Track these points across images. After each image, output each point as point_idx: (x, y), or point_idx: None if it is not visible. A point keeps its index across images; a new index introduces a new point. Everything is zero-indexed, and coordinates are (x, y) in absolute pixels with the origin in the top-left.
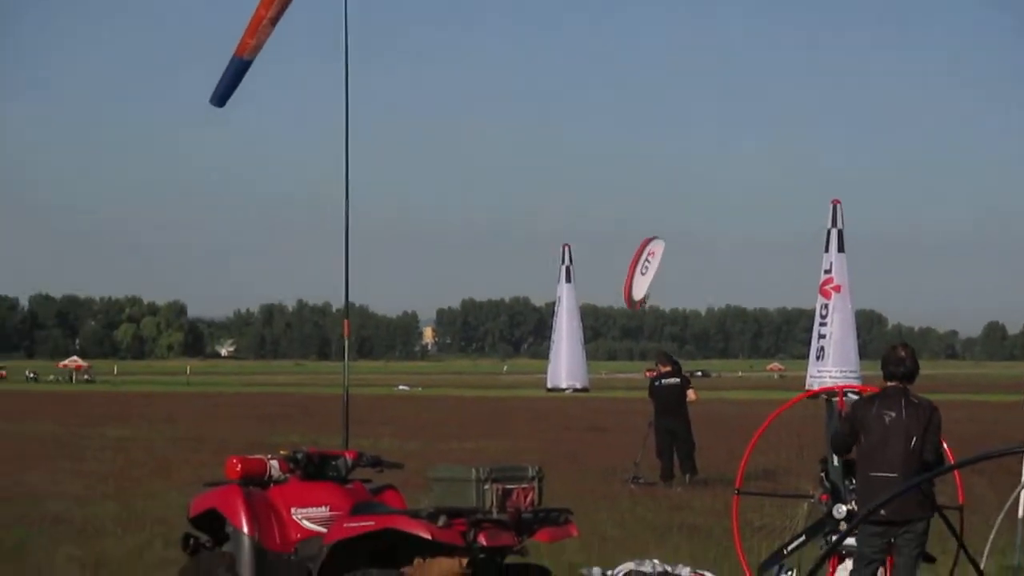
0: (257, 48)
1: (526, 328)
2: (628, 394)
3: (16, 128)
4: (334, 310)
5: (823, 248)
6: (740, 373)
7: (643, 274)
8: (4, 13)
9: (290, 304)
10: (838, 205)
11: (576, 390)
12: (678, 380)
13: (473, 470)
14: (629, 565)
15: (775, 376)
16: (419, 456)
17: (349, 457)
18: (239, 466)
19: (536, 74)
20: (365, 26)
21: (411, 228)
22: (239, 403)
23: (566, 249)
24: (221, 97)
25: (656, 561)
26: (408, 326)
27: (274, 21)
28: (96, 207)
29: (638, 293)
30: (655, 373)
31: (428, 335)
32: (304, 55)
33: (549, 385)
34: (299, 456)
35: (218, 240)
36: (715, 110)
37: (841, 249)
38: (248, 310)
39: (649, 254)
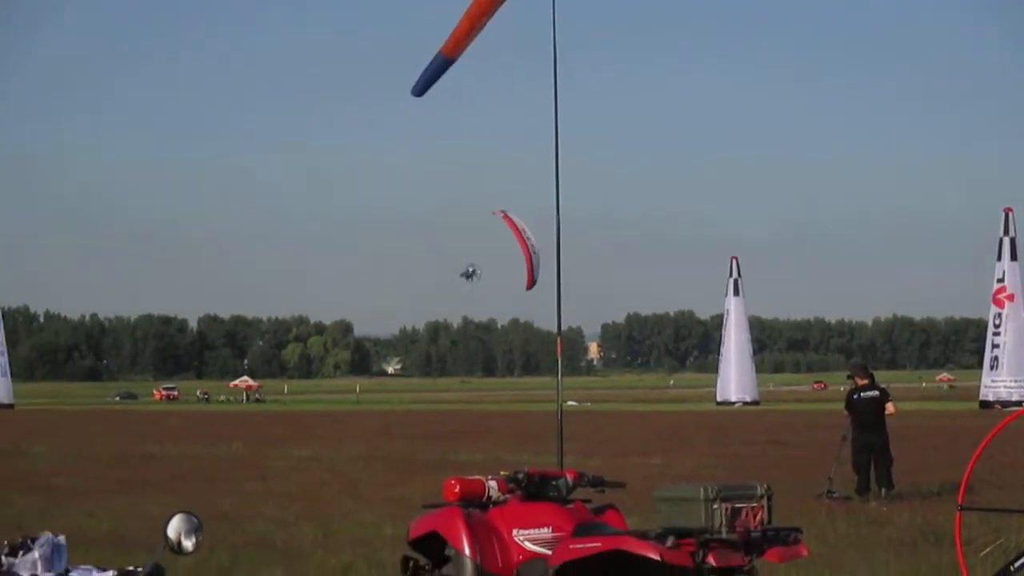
0: (464, 49)
1: (691, 342)
2: (799, 407)
3: (169, 159)
4: (499, 326)
5: (996, 257)
6: (924, 384)
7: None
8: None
9: (455, 321)
10: (1010, 213)
11: (746, 403)
12: (877, 393)
13: (701, 489)
14: None
15: (944, 387)
16: (605, 472)
17: (570, 476)
18: (458, 487)
19: (704, 78)
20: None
21: (575, 243)
22: (411, 421)
23: (734, 261)
24: (421, 88)
25: None
26: (574, 341)
27: (483, 26)
28: (263, 231)
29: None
30: (850, 386)
31: (593, 350)
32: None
33: (719, 399)
34: (519, 476)
35: (383, 259)
36: (888, 121)
37: (1014, 258)
38: (414, 327)
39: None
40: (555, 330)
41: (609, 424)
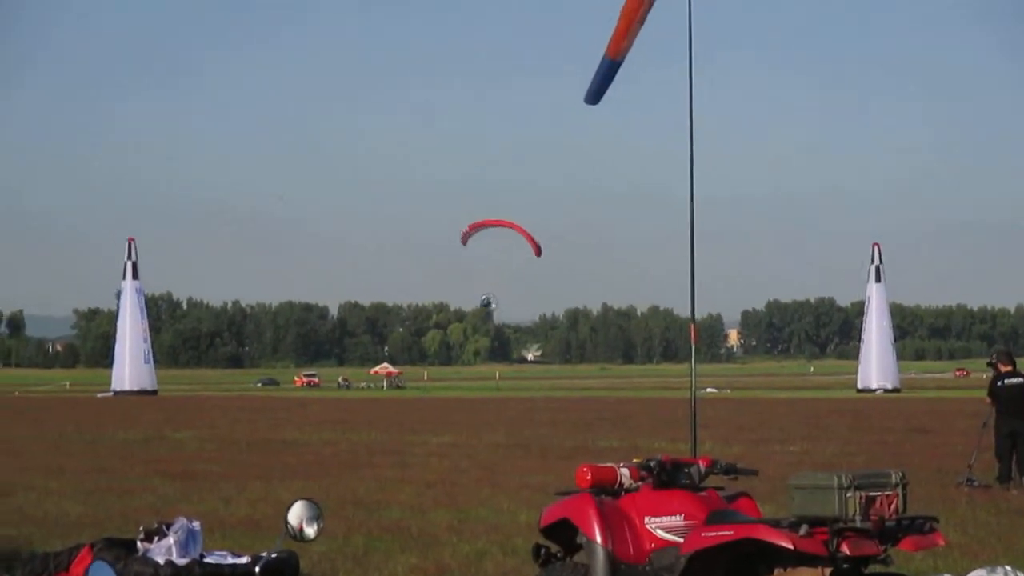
0: (627, 49)
1: (831, 328)
2: (941, 394)
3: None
4: (638, 313)
5: None
6: None
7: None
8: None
9: (595, 308)
10: None
11: (887, 391)
12: (1021, 380)
13: (835, 477)
14: (981, 572)
15: None
16: (742, 460)
17: (702, 464)
18: (590, 474)
19: (840, 65)
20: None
21: (713, 228)
22: (550, 408)
23: (876, 248)
24: (595, 95)
25: (1008, 568)
26: (713, 328)
27: (642, 21)
28: (402, 217)
29: None
30: (994, 373)
31: (733, 337)
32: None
33: (859, 386)
34: (652, 464)
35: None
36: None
37: None
38: (553, 314)
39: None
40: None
41: (748, 411)
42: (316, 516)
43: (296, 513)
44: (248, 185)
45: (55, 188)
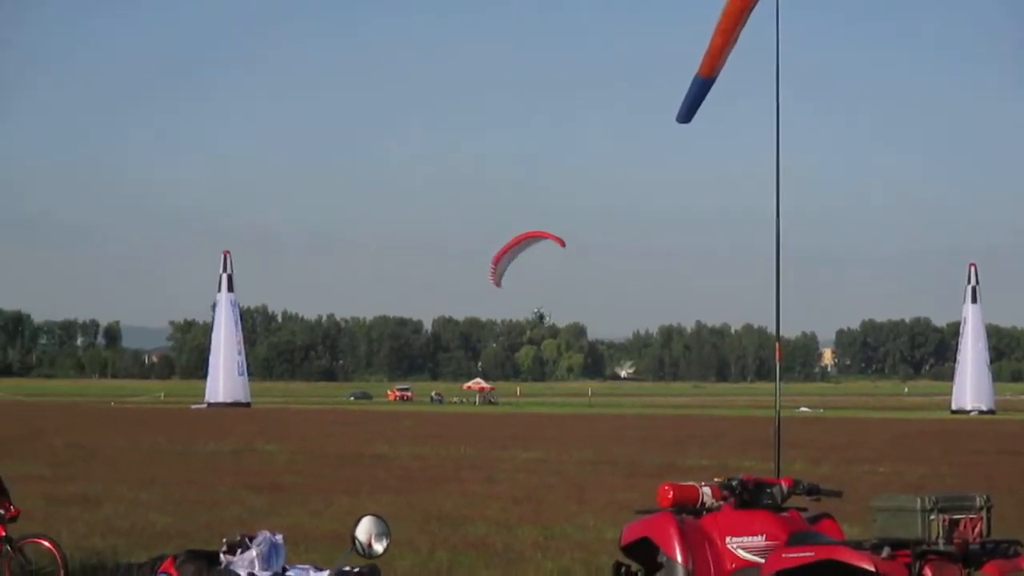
0: (720, 67)
1: (927, 349)
2: None
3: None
4: (732, 331)
5: None
6: None
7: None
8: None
9: (689, 326)
10: None
11: (982, 412)
12: None
13: (918, 499)
14: None
15: None
16: (832, 480)
17: (785, 484)
18: (671, 493)
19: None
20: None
21: (808, 247)
22: (642, 425)
23: (972, 268)
24: (687, 114)
25: None
26: (808, 347)
27: (735, 39)
28: (496, 232)
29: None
30: None
31: (827, 356)
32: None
33: (954, 407)
34: (733, 483)
35: (620, 262)
36: None
37: None
38: (647, 331)
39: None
40: (789, 335)
41: (841, 431)
42: (384, 532)
43: (364, 528)
44: (342, 201)
45: (153, 201)
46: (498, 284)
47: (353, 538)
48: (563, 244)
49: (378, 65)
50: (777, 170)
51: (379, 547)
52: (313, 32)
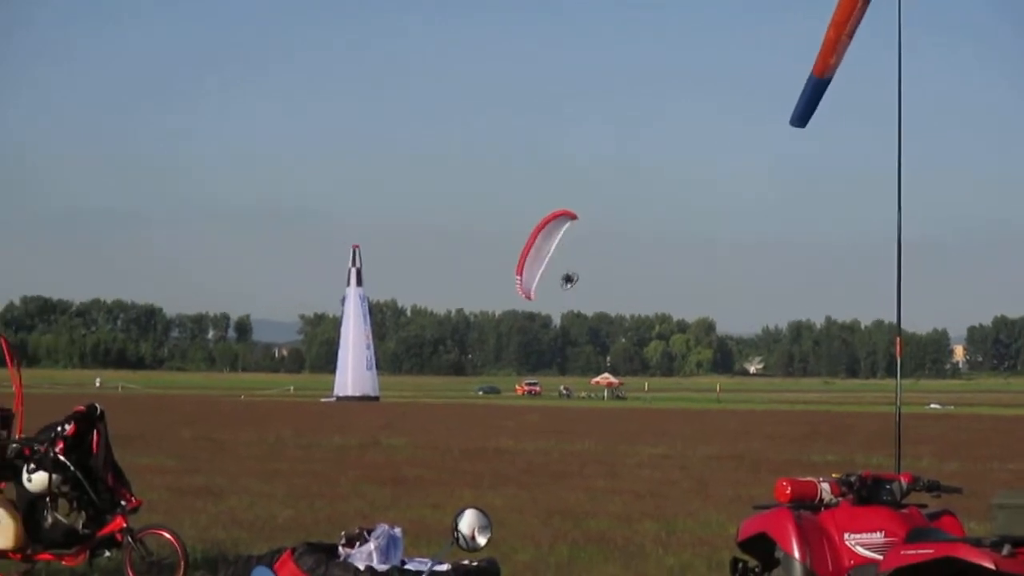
0: (835, 66)
1: None
2: None
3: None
4: (862, 327)
5: None
6: None
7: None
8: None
9: (818, 321)
10: None
11: None
12: None
13: None
14: None
15: None
16: (959, 477)
17: (904, 480)
18: (789, 489)
19: None
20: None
21: (939, 242)
22: (769, 420)
23: None
24: (801, 117)
25: None
26: (939, 344)
27: (851, 35)
28: (623, 230)
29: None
30: None
31: (959, 353)
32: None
33: None
34: (852, 479)
35: (746, 258)
36: None
37: None
38: (776, 327)
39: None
40: (920, 331)
41: (970, 428)
42: (486, 525)
43: (467, 521)
44: (470, 194)
45: (284, 195)
46: (529, 297)
47: (455, 531)
48: (575, 217)
49: (522, 55)
50: (899, 167)
51: (482, 540)
52: (451, 21)
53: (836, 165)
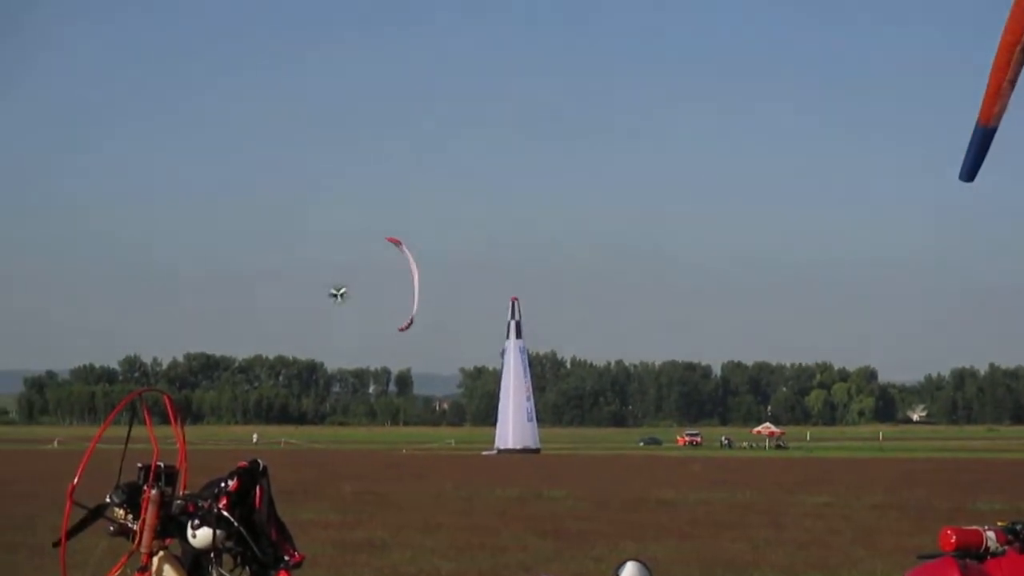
0: (1000, 114)
1: None
2: None
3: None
4: None
5: None
6: None
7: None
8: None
9: (982, 368)
10: None
11: None
12: None
13: None
14: None
15: None
16: None
17: None
18: (954, 537)
19: None
20: None
21: None
22: (933, 468)
23: None
24: (970, 171)
25: None
26: None
27: (1013, 83)
28: (779, 281)
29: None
30: None
31: None
32: None
33: None
34: (1018, 527)
35: (907, 304)
36: None
37: None
38: (939, 374)
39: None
40: None
41: None
42: None
43: (629, 575)
44: (629, 244)
45: (441, 248)
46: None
47: None
48: (398, 242)
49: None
50: None
51: None
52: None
53: (998, 208)
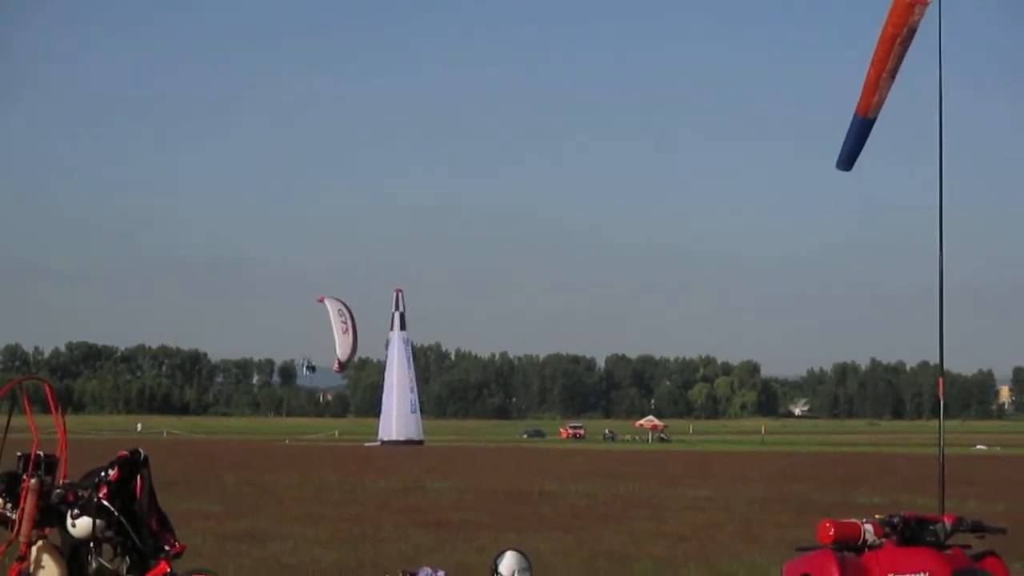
0: (879, 105)
1: None
2: None
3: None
4: (907, 369)
5: None
6: None
7: (344, 333)
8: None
9: (863, 363)
10: None
11: None
12: None
13: None
14: None
15: None
16: (1007, 519)
17: (948, 521)
18: (832, 530)
19: None
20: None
21: (984, 283)
22: (814, 463)
23: None
24: (848, 160)
25: None
26: (984, 385)
27: (892, 74)
28: (663, 275)
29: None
30: None
31: (1004, 394)
32: None
33: None
34: (895, 520)
35: (791, 300)
36: None
37: None
38: (821, 369)
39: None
40: (965, 372)
41: (1017, 469)
42: (526, 567)
43: (507, 563)
44: (516, 229)
45: (329, 238)
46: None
47: (495, 573)
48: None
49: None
50: (940, 204)
51: None
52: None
53: (882, 207)
